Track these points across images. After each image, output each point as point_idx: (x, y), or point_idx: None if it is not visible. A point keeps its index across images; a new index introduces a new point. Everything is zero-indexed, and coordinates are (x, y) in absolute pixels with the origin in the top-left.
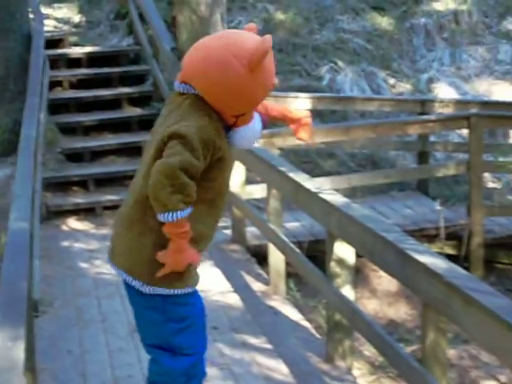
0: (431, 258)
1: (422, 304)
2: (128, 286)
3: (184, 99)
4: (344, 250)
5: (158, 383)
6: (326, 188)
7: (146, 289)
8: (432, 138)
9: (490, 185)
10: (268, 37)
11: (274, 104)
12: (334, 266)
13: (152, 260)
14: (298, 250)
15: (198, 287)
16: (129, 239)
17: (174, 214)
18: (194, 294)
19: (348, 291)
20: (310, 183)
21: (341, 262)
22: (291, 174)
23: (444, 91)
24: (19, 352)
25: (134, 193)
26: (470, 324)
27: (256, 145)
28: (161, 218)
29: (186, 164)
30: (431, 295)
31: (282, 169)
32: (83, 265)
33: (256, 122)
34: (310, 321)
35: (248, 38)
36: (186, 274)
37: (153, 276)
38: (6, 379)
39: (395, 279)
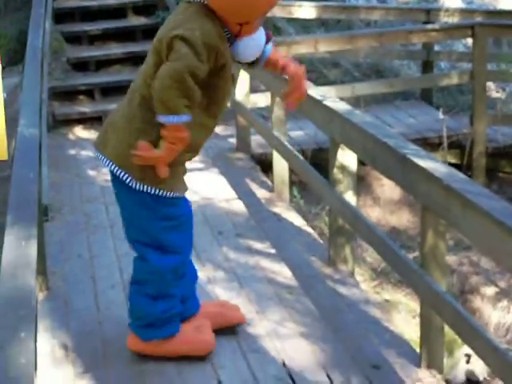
0: (431, 163)
1: (421, 208)
2: (116, 180)
3: (189, 6)
4: (346, 157)
5: (145, 281)
6: (329, 96)
7: (136, 184)
8: (437, 48)
9: (495, 94)
10: None
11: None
12: (336, 173)
13: None
14: (301, 157)
15: (204, 193)
16: (127, 133)
17: (177, 117)
18: (182, 199)
19: (350, 197)
20: (314, 91)
21: (343, 169)
22: None
23: (450, 0)
24: (32, 250)
25: (136, 91)
26: (468, 227)
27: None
28: (162, 119)
29: (192, 68)
30: (431, 199)
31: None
32: (90, 172)
33: (260, 34)
34: (313, 227)
35: None
36: (172, 180)
37: (142, 172)
38: (22, 275)
39: (396, 184)
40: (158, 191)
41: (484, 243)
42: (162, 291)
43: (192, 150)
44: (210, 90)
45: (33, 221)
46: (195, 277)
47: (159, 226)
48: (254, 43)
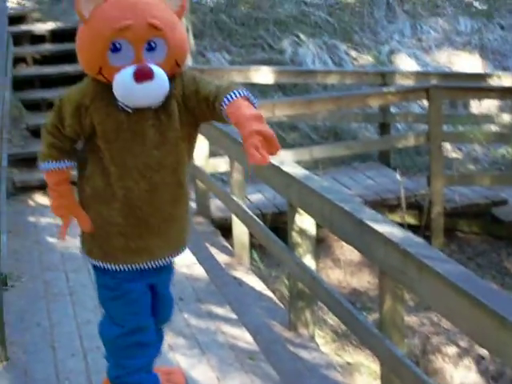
0: (388, 227)
1: (378, 272)
2: None
3: None
4: (305, 221)
5: (103, 344)
6: (287, 160)
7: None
8: (393, 109)
9: (452, 155)
10: None
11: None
12: (295, 237)
13: None
14: (260, 222)
15: None
16: None
17: (42, 164)
18: (124, 272)
19: (309, 261)
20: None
21: (302, 233)
22: None
23: (405, 63)
24: None
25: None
26: (424, 290)
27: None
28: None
29: (48, 126)
30: (387, 263)
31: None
32: (50, 239)
33: (124, 73)
34: (273, 291)
35: None
36: (100, 249)
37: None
38: None
39: (354, 248)
40: (89, 259)
41: (441, 306)
42: (113, 358)
43: (110, 224)
44: (92, 153)
45: None
46: (156, 351)
47: (101, 293)
48: (116, 85)
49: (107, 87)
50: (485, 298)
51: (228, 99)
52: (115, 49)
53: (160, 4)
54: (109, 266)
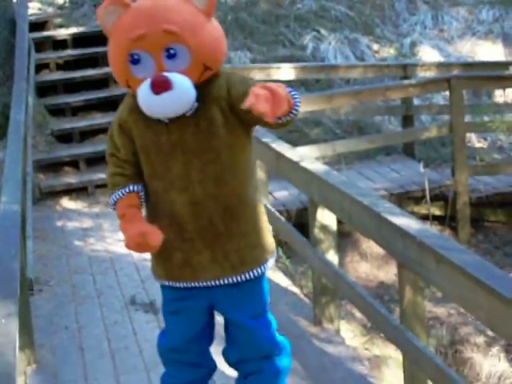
0: (405, 220)
1: (397, 265)
2: None
3: None
4: (326, 217)
5: None
6: (306, 156)
7: None
8: (417, 101)
9: (477, 144)
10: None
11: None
12: (317, 233)
13: None
14: (282, 219)
15: None
16: None
17: (110, 199)
18: (168, 287)
19: (332, 256)
20: (291, 153)
21: (324, 228)
22: (273, 145)
23: (427, 54)
24: (13, 327)
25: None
26: (442, 281)
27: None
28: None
29: (106, 156)
30: (406, 255)
31: (265, 139)
32: (77, 243)
33: (144, 85)
34: (300, 286)
35: None
36: (154, 264)
37: None
38: (2, 352)
39: (373, 242)
40: (155, 278)
41: (458, 297)
42: (164, 364)
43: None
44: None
45: (13, 297)
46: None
47: (162, 305)
48: (140, 97)
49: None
50: (501, 288)
51: None
52: (134, 60)
53: (179, 5)
54: (169, 284)
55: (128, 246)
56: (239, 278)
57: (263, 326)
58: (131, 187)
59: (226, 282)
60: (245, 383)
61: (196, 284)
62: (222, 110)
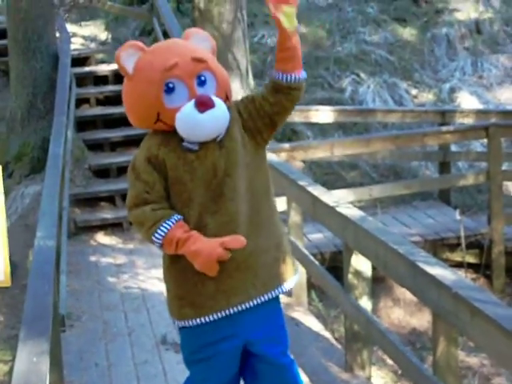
0: (440, 270)
1: (432, 314)
2: None
3: None
4: (360, 262)
5: None
6: (344, 201)
7: None
8: (454, 147)
9: None
10: (132, 43)
11: None
12: (351, 278)
13: None
14: (316, 262)
15: None
16: None
17: (154, 238)
18: (204, 323)
19: (365, 302)
20: (327, 197)
21: (358, 274)
22: (309, 188)
23: (466, 100)
24: (43, 366)
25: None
26: (476, 334)
27: (275, 157)
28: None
29: (133, 199)
30: (440, 306)
31: (301, 182)
32: (110, 279)
33: (187, 106)
34: (332, 330)
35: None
36: (179, 304)
37: None
38: None
39: (407, 290)
40: (179, 321)
41: (492, 350)
42: None
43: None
44: (173, 199)
45: (45, 335)
46: None
47: (185, 355)
48: (179, 122)
49: (168, 134)
50: None
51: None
52: (169, 89)
53: (194, 44)
54: (200, 321)
55: (206, 263)
56: (269, 295)
57: (292, 363)
58: (178, 216)
59: (256, 302)
60: None
61: (230, 311)
62: (239, 129)
